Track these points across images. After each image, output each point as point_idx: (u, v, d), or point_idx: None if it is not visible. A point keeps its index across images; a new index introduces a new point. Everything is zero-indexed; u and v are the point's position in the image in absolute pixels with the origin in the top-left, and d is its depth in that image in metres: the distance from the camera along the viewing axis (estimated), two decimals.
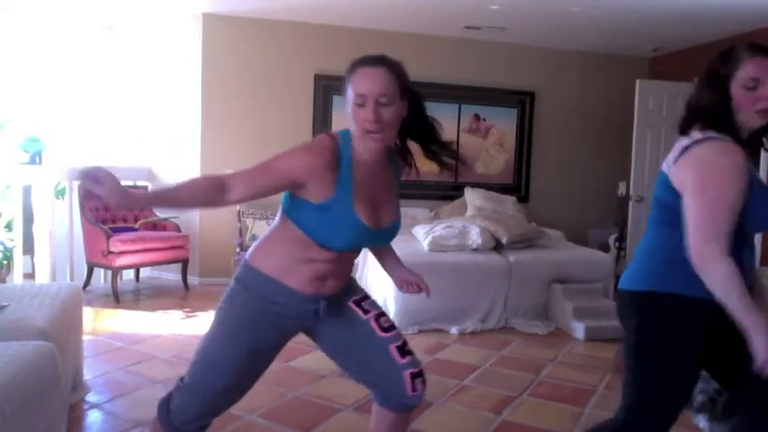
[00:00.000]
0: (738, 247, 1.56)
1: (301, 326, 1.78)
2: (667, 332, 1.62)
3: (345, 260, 1.74)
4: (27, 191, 5.00)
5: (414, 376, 1.72)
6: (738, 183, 1.52)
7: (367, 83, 1.55)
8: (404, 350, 1.74)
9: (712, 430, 2.17)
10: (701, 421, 2.42)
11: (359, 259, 4.92)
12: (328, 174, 1.56)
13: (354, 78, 1.57)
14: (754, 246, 1.65)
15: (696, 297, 1.57)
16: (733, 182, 1.51)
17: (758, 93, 1.54)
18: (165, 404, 1.77)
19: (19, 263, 4.88)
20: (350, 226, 1.61)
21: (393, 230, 1.76)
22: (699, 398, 2.40)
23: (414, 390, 1.73)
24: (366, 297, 1.83)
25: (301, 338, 1.85)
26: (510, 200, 5.82)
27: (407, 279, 1.90)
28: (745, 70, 1.55)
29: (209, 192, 1.49)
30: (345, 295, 1.79)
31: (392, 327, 1.78)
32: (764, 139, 1.67)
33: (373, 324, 1.76)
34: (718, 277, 1.48)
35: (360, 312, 1.77)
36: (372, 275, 4.57)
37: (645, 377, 1.67)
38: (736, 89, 1.56)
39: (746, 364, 1.53)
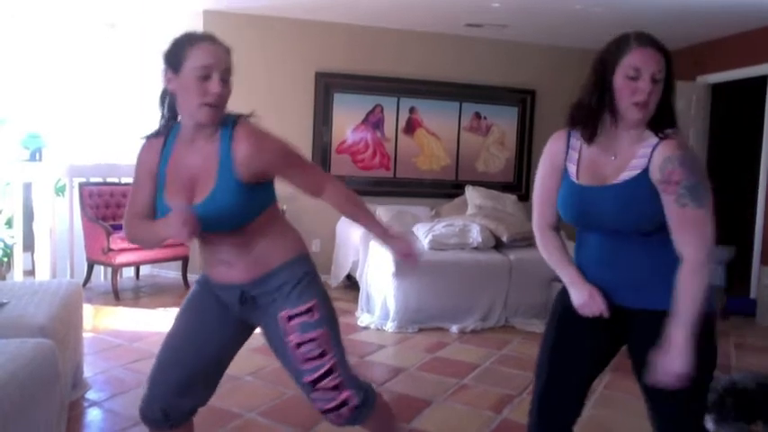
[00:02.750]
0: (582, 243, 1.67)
1: (238, 313, 1.77)
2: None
3: (217, 243, 1.68)
4: (27, 188, 4.99)
5: (326, 411, 1.70)
6: (543, 169, 1.67)
7: (210, 57, 1.57)
8: (315, 387, 1.68)
9: None
10: (708, 422, 2.39)
11: (359, 258, 4.91)
12: (155, 160, 1.70)
13: (196, 52, 1.57)
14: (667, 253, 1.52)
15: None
16: (541, 170, 1.68)
17: (637, 84, 1.48)
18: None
19: (19, 260, 4.87)
20: (160, 201, 1.68)
21: (211, 209, 1.59)
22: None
23: (333, 421, 1.72)
24: (301, 314, 1.67)
25: None
26: (510, 198, 5.80)
27: None
28: (631, 58, 1.49)
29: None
30: (280, 300, 1.69)
31: (312, 357, 1.67)
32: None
33: (291, 350, 1.68)
34: (540, 249, 1.73)
35: (284, 331, 1.68)
36: (373, 273, 4.56)
37: None
38: (618, 77, 1.50)
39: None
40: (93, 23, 5.89)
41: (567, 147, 1.63)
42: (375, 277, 4.51)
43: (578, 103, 1.59)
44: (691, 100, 5.60)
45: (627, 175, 1.52)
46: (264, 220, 1.70)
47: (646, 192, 1.49)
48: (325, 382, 1.68)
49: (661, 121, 1.52)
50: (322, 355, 1.68)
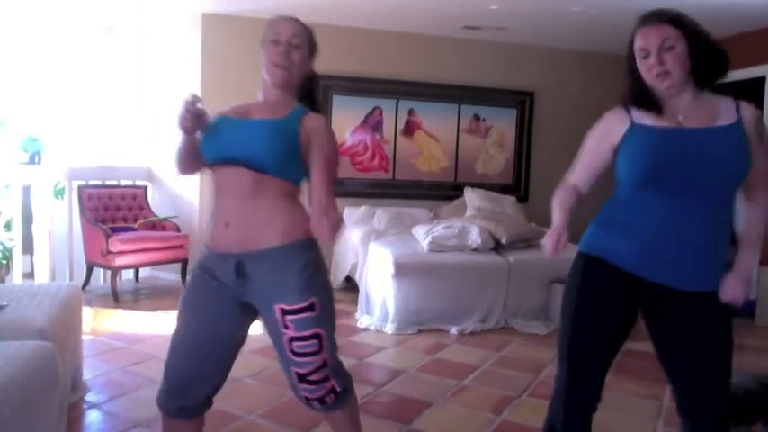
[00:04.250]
0: (620, 203, 1.71)
1: (233, 293, 1.72)
2: (566, 289, 1.78)
3: (229, 194, 1.69)
4: (26, 191, 4.99)
5: (308, 400, 1.76)
6: (593, 140, 1.73)
7: (286, 28, 1.86)
8: (304, 379, 1.71)
9: None
10: None
11: (359, 258, 4.91)
12: None
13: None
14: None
15: (582, 252, 1.75)
16: (590, 140, 1.75)
17: (649, 61, 1.59)
18: None
19: (18, 262, 4.87)
20: (217, 118, 1.81)
21: (259, 128, 1.71)
22: None
23: (313, 407, 1.78)
24: (298, 311, 1.65)
25: None
26: (509, 200, 5.81)
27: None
28: (637, 42, 1.62)
29: None
30: (276, 291, 1.67)
31: (306, 354, 1.68)
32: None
33: (285, 342, 1.69)
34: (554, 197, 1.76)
35: (280, 323, 1.67)
36: (372, 275, 4.56)
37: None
38: (637, 61, 1.63)
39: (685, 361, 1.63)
40: (93, 27, 5.89)
41: (630, 117, 1.66)
42: (374, 279, 4.51)
43: (626, 89, 1.68)
44: None
45: (721, 122, 1.59)
46: (282, 191, 1.68)
47: (745, 138, 1.57)
48: (314, 376, 1.71)
49: (708, 71, 1.64)
50: (315, 353, 1.69)
